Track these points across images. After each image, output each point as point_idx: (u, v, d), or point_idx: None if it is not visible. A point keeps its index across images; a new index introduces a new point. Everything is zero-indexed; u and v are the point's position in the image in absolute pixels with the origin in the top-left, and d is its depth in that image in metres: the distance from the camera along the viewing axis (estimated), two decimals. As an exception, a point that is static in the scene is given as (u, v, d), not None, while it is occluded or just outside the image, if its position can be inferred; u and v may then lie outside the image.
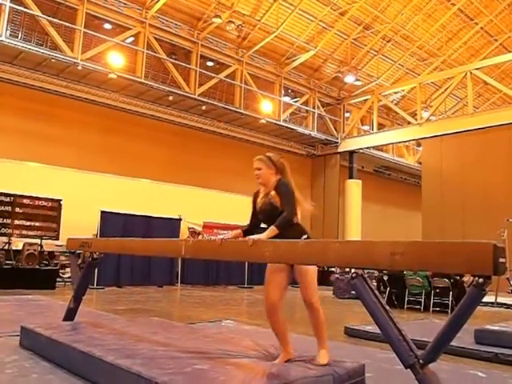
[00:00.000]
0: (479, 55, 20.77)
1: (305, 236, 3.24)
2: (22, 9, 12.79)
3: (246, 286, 14.07)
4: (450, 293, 9.21)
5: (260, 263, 11.83)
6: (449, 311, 8.99)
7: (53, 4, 13.91)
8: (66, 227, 11.32)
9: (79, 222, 11.37)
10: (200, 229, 13.93)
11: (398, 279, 9.97)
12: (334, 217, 19.60)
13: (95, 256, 4.34)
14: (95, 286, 11.03)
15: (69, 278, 10.77)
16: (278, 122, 17.79)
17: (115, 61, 14.26)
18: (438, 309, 9.45)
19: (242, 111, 16.88)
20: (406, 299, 9.77)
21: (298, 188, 3.38)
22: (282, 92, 18.79)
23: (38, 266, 10.55)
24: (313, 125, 19.23)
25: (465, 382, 3.61)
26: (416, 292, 9.72)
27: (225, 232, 15.14)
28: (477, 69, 16.52)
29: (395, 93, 20.38)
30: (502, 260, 1.84)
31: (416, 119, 17.90)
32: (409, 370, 2.18)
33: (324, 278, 16.37)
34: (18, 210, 11.20)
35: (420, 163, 20.50)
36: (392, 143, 20.25)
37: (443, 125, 17.00)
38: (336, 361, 3.14)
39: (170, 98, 15.56)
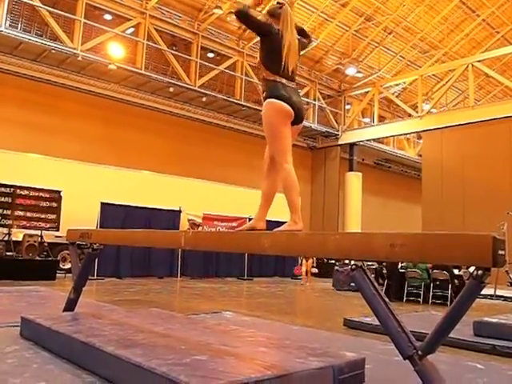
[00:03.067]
0: (481, 47, 20.68)
1: (271, 99, 3.11)
2: (22, -1, 12.72)
3: (245, 277, 14.11)
4: (449, 285, 9.24)
5: (260, 255, 11.85)
6: (448, 303, 9.02)
7: (52, -6, 13.84)
8: (66, 218, 11.32)
9: (79, 214, 11.37)
10: (200, 220, 13.93)
11: (394, 272, 9.96)
12: (334, 209, 19.63)
13: (95, 247, 4.34)
14: (95, 277, 11.05)
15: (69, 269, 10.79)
16: (278, 114, 17.75)
17: (115, 52, 14.23)
18: (437, 301, 9.49)
19: (242, 103, 16.84)
20: (406, 291, 9.80)
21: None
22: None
23: (38, 257, 10.58)
24: (313, 117, 19.18)
25: (463, 373, 3.63)
26: (415, 284, 9.75)
27: (224, 224, 15.11)
28: (478, 61, 16.47)
29: (396, 85, 20.33)
30: (501, 252, 1.84)
31: (417, 112, 17.86)
32: (407, 361, 2.19)
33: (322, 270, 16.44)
34: (18, 201, 11.20)
35: (420, 156, 20.49)
36: (393, 136, 20.23)
37: (444, 117, 16.98)
38: (336, 353, 3.15)
39: (171, 89, 15.53)
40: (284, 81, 3.14)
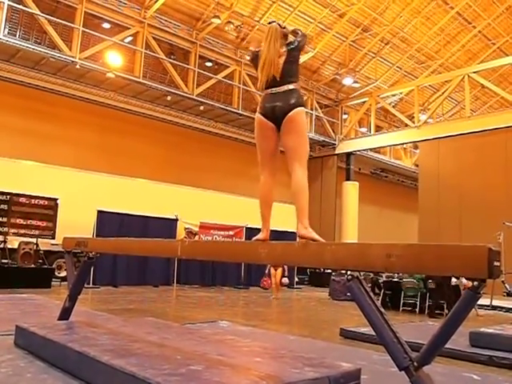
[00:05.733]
0: (477, 59, 20.82)
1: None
2: (21, 7, 12.76)
3: (241, 286, 14.06)
4: (442, 295, 9.23)
5: (257, 264, 11.83)
6: (443, 313, 9.03)
7: (51, 2, 13.90)
8: (63, 226, 11.27)
9: (76, 222, 11.34)
10: (197, 229, 13.90)
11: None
12: (330, 218, 19.62)
13: (91, 255, 4.32)
14: (91, 286, 11.00)
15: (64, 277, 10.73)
16: (275, 123, 17.79)
17: (113, 60, 14.26)
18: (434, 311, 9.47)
19: (240, 112, 16.88)
20: (402, 301, 9.78)
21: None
22: (281, 93, 18.78)
23: (33, 265, 10.52)
24: (310, 126, 19.23)
25: (459, 384, 3.62)
26: (411, 294, 9.73)
27: (221, 232, 14.83)
28: (474, 72, 16.57)
29: (393, 95, 20.42)
30: (496, 264, 1.85)
31: (413, 122, 17.93)
32: (403, 372, 2.18)
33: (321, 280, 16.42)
34: (14, 208, 11.15)
35: (417, 166, 20.54)
36: (389, 145, 20.27)
37: (440, 128, 17.04)
38: (332, 363, 3.14)
39: (168, 97, 15.57)
40: (264, 92, 3.25)
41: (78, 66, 13.38)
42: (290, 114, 3.14)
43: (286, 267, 12.14)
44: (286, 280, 13.23)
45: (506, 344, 4.90)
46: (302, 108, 3.20)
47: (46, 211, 11.58)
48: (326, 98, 20.63)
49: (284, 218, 14.43)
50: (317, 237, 2.90)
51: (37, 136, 13.60)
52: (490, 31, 20.12)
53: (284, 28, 3.31)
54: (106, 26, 15.01)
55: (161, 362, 2.85)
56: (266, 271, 12.91)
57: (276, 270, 12.00)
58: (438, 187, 16.66)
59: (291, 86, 3.21)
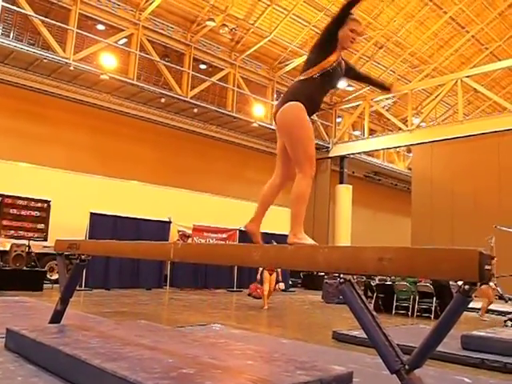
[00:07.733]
0: (470, 63, 20.96)
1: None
2: (15, 8, 12.72)
3: (234, 289, 14.04)
4: (434, 298, 9.28)
5: (249, 267, 11.76)
6: (432, 316, 9.08)
7: (45, 4, 13.86)
8: (55, 228, 11.20)
9: (68, 224, 11.28)
10: (190, 232, 13.88)
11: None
12: (324, 221, 19.64)
13: (83, 258, 4.30)
14: (83, 288, 10.95)
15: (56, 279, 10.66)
16: (270, 126, 17.81)
17: (107, 62, 14.24)
18: (426, 314, 9.51)
19: (234, 114, 16.88)
20: (395, 304, 9.81)
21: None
22: (275, 96, 18.83)
23: (25, 268, 10.45)
24: (304, 129, 19.24)
25: (451, 387, 3.63)
26: (404, 297, 9.76)
27: (214, 235, 14.65)
28: (467, 76, 16.66)
29: (386, 99, 20.50)
30: (487, 267, 1.85)
31: (407, 125, 18.00)
32: (395, 375, 2.18)
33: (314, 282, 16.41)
34: (5, 210, 11.07)
35: (410, 169, 20.62)
36: (383, 149, 20.34)
37: (433, 131, 17.12)
38: (324, 366, 3.14)
39: (162, 100, 15.55)
40: None
41: (71, 68, 13.34)
42: (276, 118, 2.96)
43: (279, 271, 10.60)
44: (282, 285, 12.09)
45: (497, 347, 4.92)
46: (288, 104, 2.84)
47: (38, 213, 11.49)
48: (320, 101, 20.66)
49: (282, 221, 14.49)
50: (308, 242, 2.82)
51: (30, 137, 13.53)
52: (483, 36, 20.26)
53: None
54: (101, 27, 14.99)
55: (152, 365, 2.84)
56: (258, 276, 10.58)
57: (271, 274, 10.14)
58: (430, 191, 16.73)
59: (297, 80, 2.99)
